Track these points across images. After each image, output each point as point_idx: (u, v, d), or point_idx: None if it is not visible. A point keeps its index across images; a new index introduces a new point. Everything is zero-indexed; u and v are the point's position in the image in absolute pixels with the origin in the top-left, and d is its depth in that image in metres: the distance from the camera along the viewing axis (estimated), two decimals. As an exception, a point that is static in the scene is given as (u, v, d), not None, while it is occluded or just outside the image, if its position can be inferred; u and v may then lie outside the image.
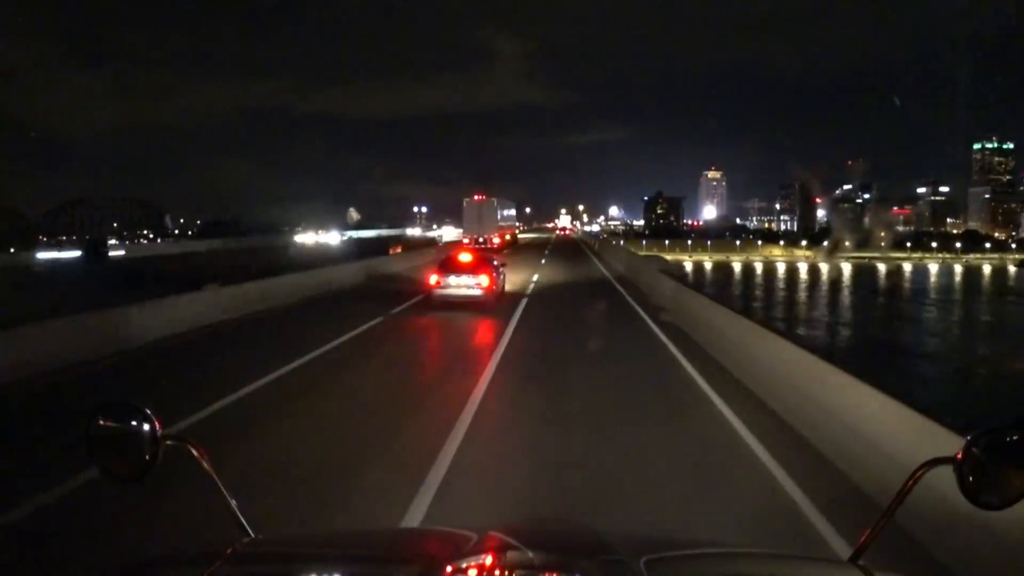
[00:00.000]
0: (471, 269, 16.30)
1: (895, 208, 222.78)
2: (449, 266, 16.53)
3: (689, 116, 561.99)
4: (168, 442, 1.67)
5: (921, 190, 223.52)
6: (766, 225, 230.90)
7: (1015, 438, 1.46)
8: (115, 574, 1.60)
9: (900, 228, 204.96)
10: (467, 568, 1.32)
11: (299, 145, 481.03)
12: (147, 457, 1.63)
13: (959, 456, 1.47)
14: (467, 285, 15.88)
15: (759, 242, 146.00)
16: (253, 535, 1.68)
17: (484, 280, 15.98)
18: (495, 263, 17.88)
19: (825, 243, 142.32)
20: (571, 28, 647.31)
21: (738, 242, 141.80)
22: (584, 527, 2.02)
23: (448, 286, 15.96)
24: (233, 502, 1.70)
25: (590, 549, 1.59)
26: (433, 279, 16.21)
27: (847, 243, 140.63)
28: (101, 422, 1.66)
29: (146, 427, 1.64)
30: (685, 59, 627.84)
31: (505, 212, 53.06)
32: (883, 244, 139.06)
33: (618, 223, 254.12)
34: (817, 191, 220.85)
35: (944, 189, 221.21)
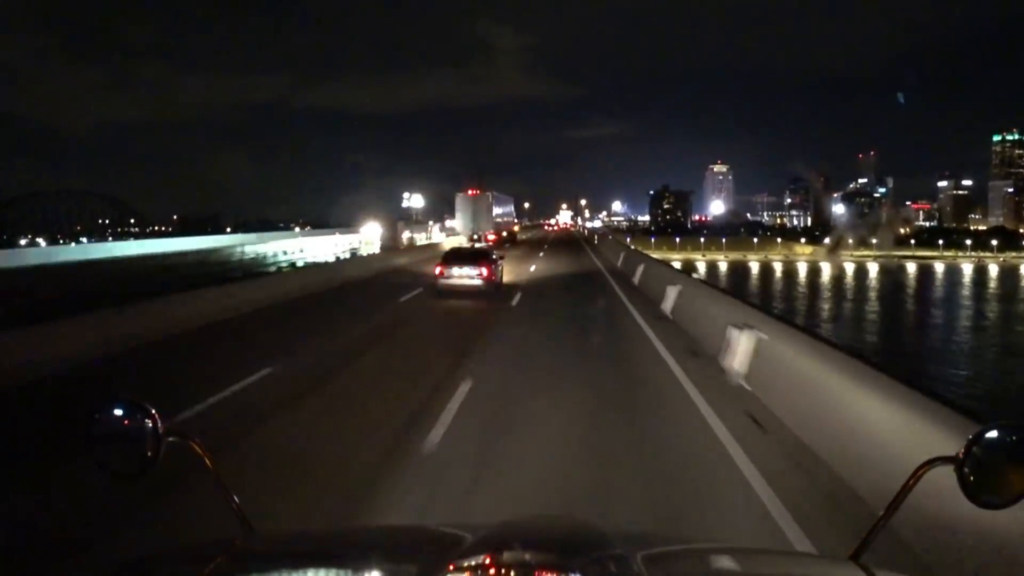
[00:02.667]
0: (472, 261, 17.86)
1: (914, 203, 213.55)
2: (452, 258, 18.04)
3: (693, 110, 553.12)
4: (170, 438, 1.63)
5: (942, 184, 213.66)
6: (778, 220, 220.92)
7: (1016, 437, 1.45)
8: (117, 570, 1.56)
9: (923, 223, 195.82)
10: (466, 566, 1.31)
11: (295, 140, 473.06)
12: (149, 453, 1.60)
13: (960, 455, 1.46)
14: (468, 275, 17.29)
15: (779, 239, 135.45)
16: (254, 531, 1.68)
17: (484, 271, 17.38)
18: (494, 256, 19.51)
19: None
20: (571, 21, 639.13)
21: (755, 239, 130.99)
22: (582, 523, 1.97)
23: (451, 276, 17.36)
24: (235, 498, 1.66)
25: (588, 545, 1.57)
26: (438, 270, 17.63)
27: (874, 240, 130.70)
28: (102, 417, 1.63)
29: (148, 423, 1.61)
30: (689, 51, 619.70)
31: (502, 208, 51.04)
32: (912, 242, 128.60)
33: (621, 219, 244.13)
34: (820, 188, 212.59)
35: (967, 182, 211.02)
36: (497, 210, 47.73)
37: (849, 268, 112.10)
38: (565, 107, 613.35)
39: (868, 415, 4.97)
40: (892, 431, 4.57)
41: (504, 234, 46.55)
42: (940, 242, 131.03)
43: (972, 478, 1.44)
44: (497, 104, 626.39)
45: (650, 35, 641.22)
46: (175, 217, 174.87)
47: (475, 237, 42.19)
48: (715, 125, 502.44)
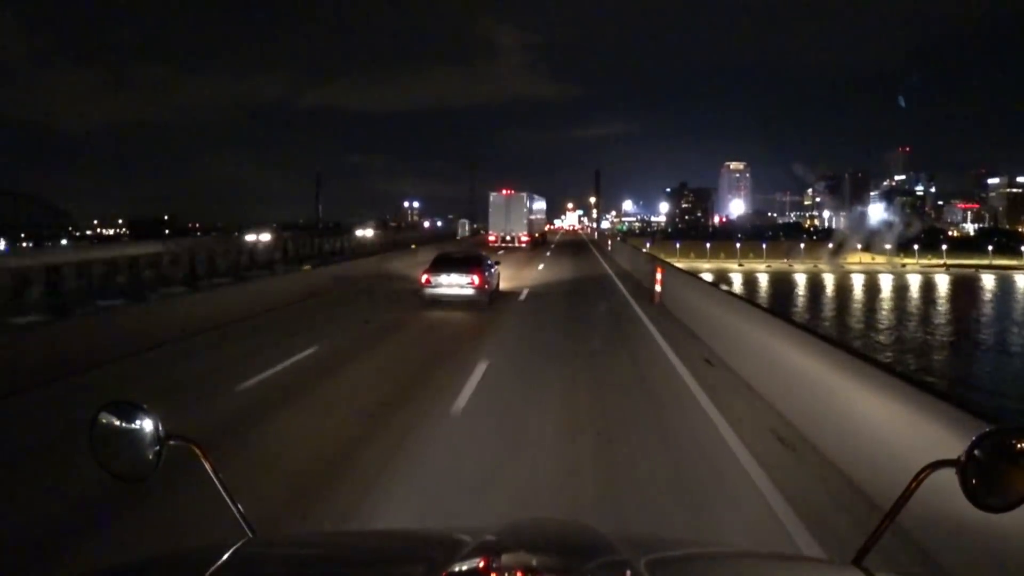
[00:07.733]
0: (462, 267, 15.84)
1: (958, 202, 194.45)
2: (440, 264, 16.22)
3: (706, 107, 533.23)
4: (171, 442, 1.65)
5: (992, 181, 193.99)
6: (809, 221, 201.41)
7: (1018, 440, 1.46)
8: (116, 573, 1.56)
9: (971, 225, 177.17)
10: (466, 570, 1.31)
11: (295, 140, 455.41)
12: (150, 457, 1.62)
13: (962, 458, 1.46)
14: (458, 284, 15.49)
15: (830, 244, 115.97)
16: (255, 535, 1.67)
17: (475, 278, 15.54)
18: (488, 261, 17.33)
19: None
20: (575, 18, 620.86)
21: (802, 245, 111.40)
22: (584, 527, 1.93)
23: (439, 285, 15.61)
24: (237, 503, 1.67)
25: (590, 550, 1.56)
26: (424, 278, 15.97)
27: (943, 247, 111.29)
28: (104, 421, 1.63)
29: (149, 426, 1.63)
30: (699, 47, 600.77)
31: (535, 206, 47.14)
32: (991, 248, 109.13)
33: (633, 219, 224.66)
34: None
35: (1022, 179, 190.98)
36: (532, 209, 45.04)
37: (914, 280, 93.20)
38: (571, 106, 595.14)
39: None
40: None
41: (537, 235, 46.31)
42: (1022, 249, 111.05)
43: (974, 481, 1.43)
44: (502, 103, 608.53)
45: (658, 30, 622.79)
46: (166, 217, 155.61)
47: (507, 239, 41.48)
48: (729, 122, 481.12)
